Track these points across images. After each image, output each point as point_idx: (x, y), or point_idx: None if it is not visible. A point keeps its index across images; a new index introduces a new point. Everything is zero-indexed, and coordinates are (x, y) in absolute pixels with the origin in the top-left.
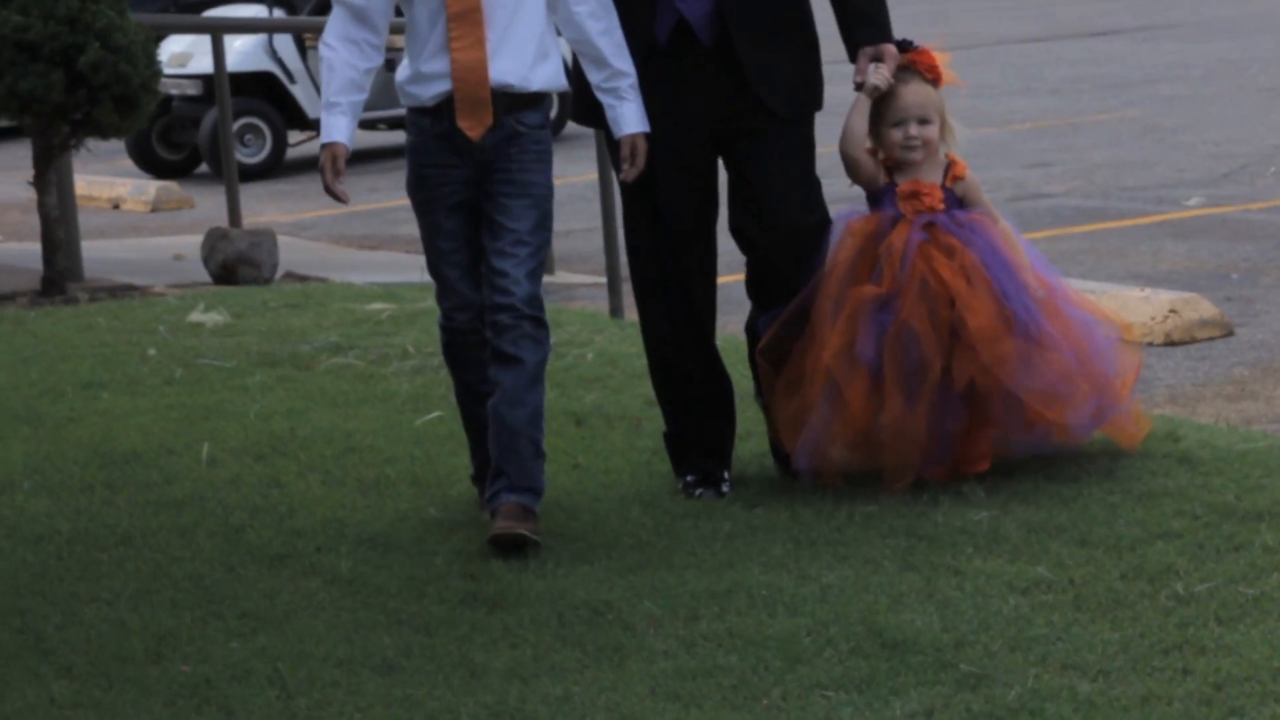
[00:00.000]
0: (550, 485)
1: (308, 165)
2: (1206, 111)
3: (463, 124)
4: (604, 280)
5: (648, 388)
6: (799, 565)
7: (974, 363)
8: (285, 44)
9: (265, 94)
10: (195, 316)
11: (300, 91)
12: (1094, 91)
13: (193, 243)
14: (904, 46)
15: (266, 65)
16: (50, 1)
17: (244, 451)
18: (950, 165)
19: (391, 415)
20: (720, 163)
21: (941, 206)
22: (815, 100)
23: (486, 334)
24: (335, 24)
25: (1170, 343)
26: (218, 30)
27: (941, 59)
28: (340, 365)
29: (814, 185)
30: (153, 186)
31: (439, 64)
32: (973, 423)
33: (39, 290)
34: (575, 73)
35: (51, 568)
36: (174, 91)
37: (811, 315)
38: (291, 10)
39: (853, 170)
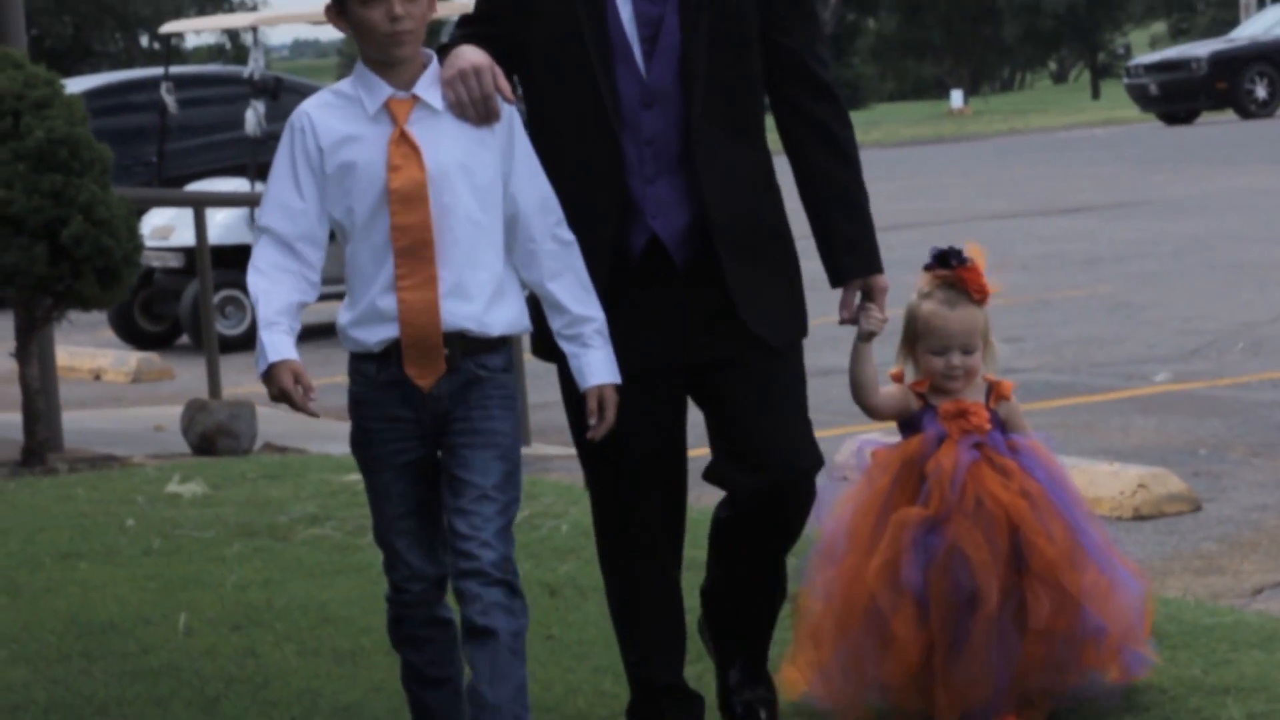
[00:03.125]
0: None
1: None
2: (1175, 288)
3: (411, 372)
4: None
5: None
6: None
7: (1053, 596)
8: None
9: (246, 266)
10: (173, 487)
11: None
12: (1064, 267)
13: (173, 414)
14: (952, 259)
15: (248, 238)
16: (34, 175)
17: (220, 621)
18: (994, 386)
19: (368, 586)
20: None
21: (989, 427)
22: (803, 326)
23: (443, 612)
24: (265, 251)
25: (1139, 517)
26: (200, 204)
27: (979, 255)
28: (317, 536)
29: (808, 425)
30: (134, 358)
31: (385, 304)
32: (1030, 666)
33: (19, 461)
34: (534, 300)
35: None
36: (156, 264)
37: (841, 550)
38: None
39: (876, 416)
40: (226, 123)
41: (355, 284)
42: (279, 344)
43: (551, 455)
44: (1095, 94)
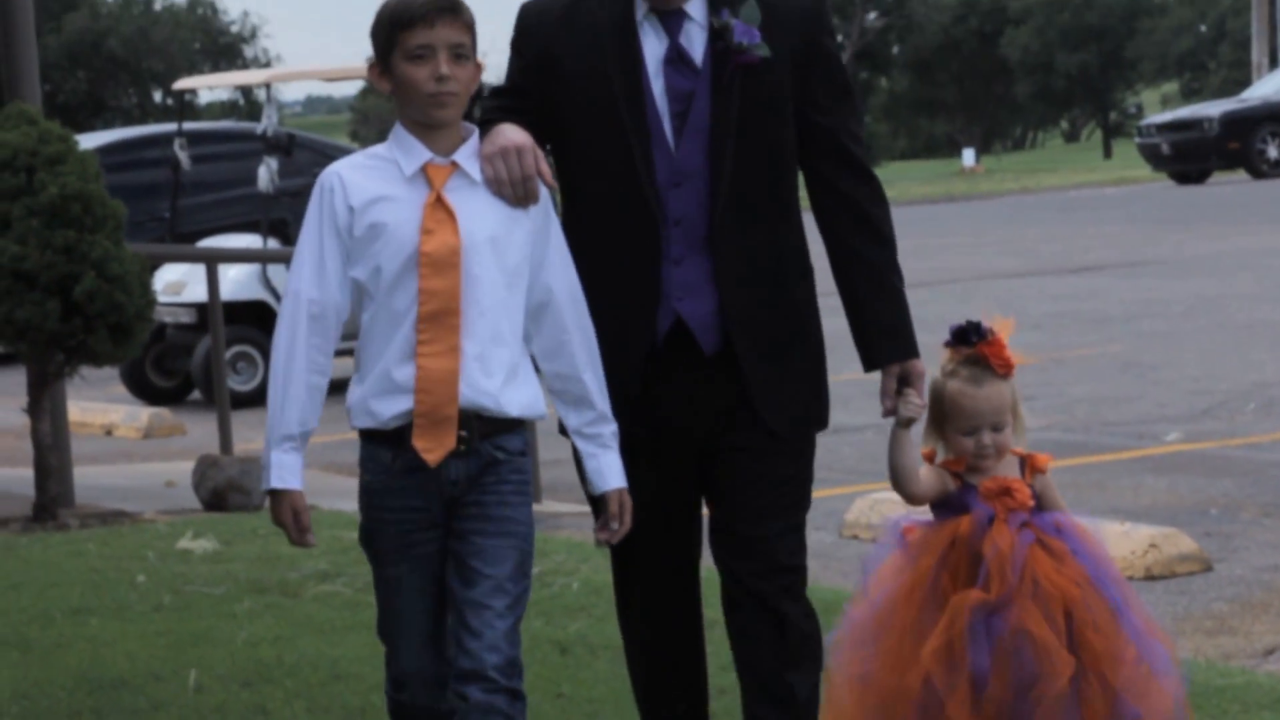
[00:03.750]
0: (533, 714)
1: None
2: (1186, 347)
3: (419, 444)
4: (589, 510)
5: None
6: None
7: (1103, 687)
8: (279, 273)
9: (258, 322)
10: (185, 543)
11: None
12: (1076, 327)
13: (184, 469)
14: (972, 335)
15: (260, 294)
16: (48, 231)
17: (231, 678)
18: (1028, 460)
19: (378, 643)
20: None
21: (1032, 503)
22: (823, 419)
23: (444, 705)
24: (290, 317)
25: (1150, 577)
26: (212, 260)
27: (1005, 329)
28: (328, 592)
29: (802, 524)
30: (145, 413)
31: (401, 374)
32: None
33: (31, 516)
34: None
35: None
36: (168, 319)
37: (878, 633)
38: (285, 240)
39: (916, 502)
40: (239, 179)
41: (369, 352)
42: (283, 469)
43: (562, 513)
44: (1107, 153)
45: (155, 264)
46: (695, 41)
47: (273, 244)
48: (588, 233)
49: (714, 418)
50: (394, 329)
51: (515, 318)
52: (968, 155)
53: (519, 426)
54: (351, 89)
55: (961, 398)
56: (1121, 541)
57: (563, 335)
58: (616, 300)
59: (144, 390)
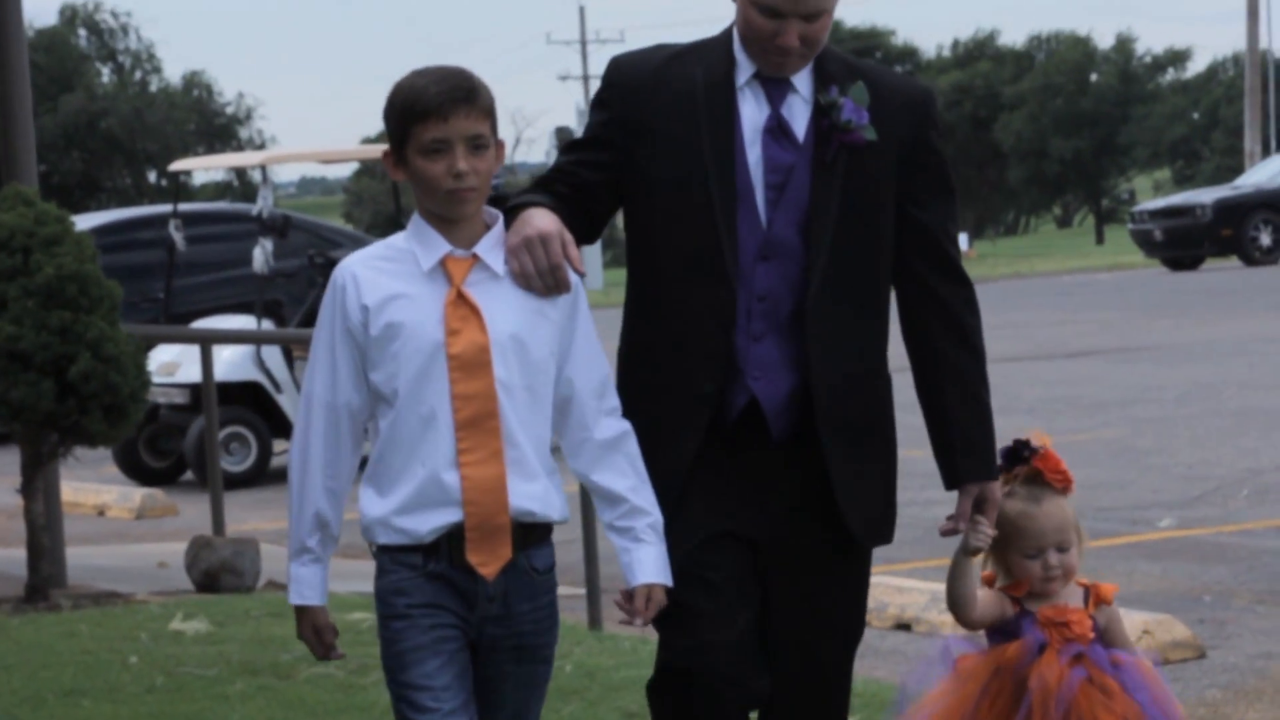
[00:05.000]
0: None
1: None
2: (1180, 433)
3: (475, 559)
4: (583, 592)
5: (626, 701)
6: None
7: None
8: (273, 354)
9: (252, 403)
10: (177, 624)
11: (287, 401)
12: (1070, 412)
13: (176, 550)
14: (1024, 452)
15: (254, 375)
16: (43, 312)
17: None
18: (1093, 589)
19: None
20: None
21: (1091, 635)
22: (890, 532)
23: None
24: (307, 426)
25: None
26: (206, 341)
27: (1044, 440)
28: (320, 675)
29: (856, 643)
30: (138, 494)
31: (441, 486)
32: None
33: (23, 597)
34: None
35: None
36: (162, 400)
37: None
38: (280, 321)
39: (973, 628)
40: (234, 260)
41: (394, 462)
42: (301, 584)
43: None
44: (1100, 239)
45: (150, 344)
46: (797, 114)
47: (267, 325)
48: (656, 295)
49: (780, 510)
50: (422, 437)
51: (547, 414)
52: (961, 240)
53: (549, 537)
54: (345, 170)
55: (1023, 519)
56: None
57: (583, 433)
58: (688, 372)
59: (137, 471)
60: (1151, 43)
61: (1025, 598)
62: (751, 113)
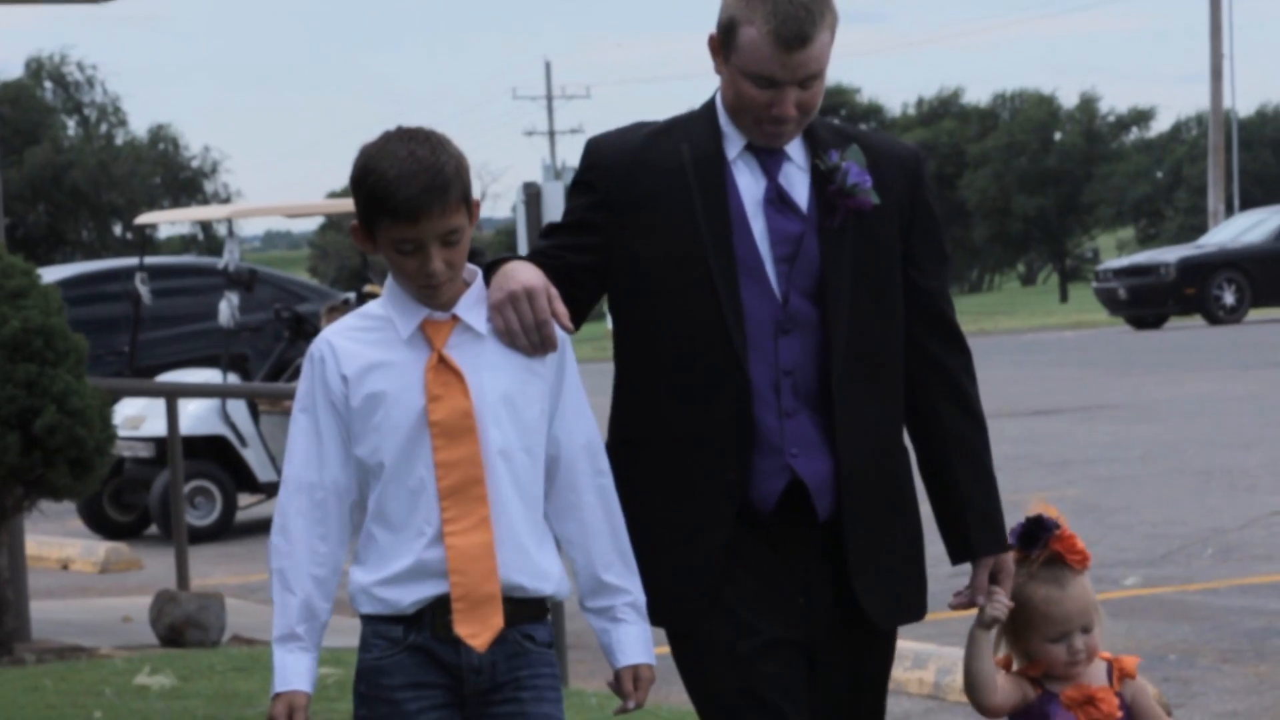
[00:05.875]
0: None
1: (258, 528)
2: (1144, 492)
3: (465, 631)
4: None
5: None
6: None
7: None
8: (238, 408)
9: (217, 457)
10: (142, 679)
11: (252, 455)
12: (1034, 470)
13: (141, 604)
14: (1041, 532)
15: (219, 429)
16: (9, 365)
17: None
18: (1115, 664)
19: None
20: None
21: (1119, 714)
22: (921, 609)
23: None
24: (288, 508)
25: None
26: (172, 394)
27: (1051, 511)
28: None
29: (882, 712)
30: (102, 548)
31: (426, 558)
32: None
33: None
34: None
35: None
36: (127, 454)
37: None
38: (245, 375)
39: (994, 715)
40: (200, 313)
41: (381, 535)
42: (286, 672)
43: None
44: (1064, 297)
45: (115, 398)
46: (796, 183)
47: (233, 379)
48: (655, 381)
49: (822, 604)
50: (410, 509)
51: (539, 478)
52: None
53: (546, 611)
54: (311, 224)
55: (1048, 605)
56: None
57: (571, 495)
58: (708, 458)
59: (101, 524)
60: (1115, 101)
61: (1044, 678)
62: (749, 185)
